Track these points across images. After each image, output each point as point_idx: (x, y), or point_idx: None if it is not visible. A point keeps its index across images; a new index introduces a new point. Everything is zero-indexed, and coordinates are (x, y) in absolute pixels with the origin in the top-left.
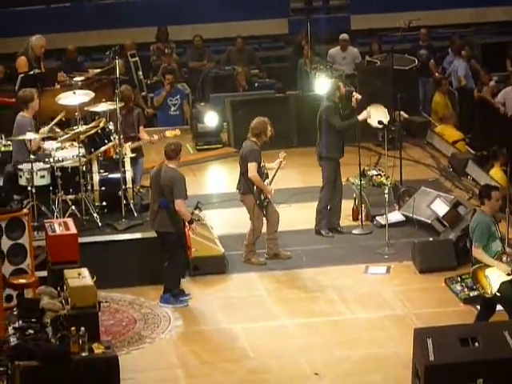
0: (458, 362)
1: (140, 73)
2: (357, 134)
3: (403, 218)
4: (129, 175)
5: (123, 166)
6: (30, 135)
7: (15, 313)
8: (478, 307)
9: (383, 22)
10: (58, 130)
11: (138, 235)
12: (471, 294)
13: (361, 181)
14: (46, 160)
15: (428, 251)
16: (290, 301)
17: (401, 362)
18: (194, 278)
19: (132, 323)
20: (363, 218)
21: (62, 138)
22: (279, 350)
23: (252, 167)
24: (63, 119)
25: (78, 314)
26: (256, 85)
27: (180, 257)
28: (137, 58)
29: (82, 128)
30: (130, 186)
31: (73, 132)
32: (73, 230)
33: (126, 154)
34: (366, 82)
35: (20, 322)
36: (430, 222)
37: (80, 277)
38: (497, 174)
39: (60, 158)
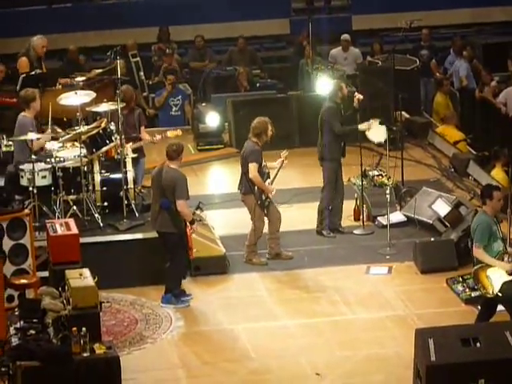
0: (460, 363)
1: (141, 73)
2: (358, 134)
3: (405, 219)
4: (130, 175)
5: (125, 167)
6: (31, 135)
7: (16, 313)
8: (479, 307)
9: (385, 22)
10: (59, 130)
11: (139, 235)
12: (473, 295)
13: (362, 181)
14: (48, 160)
15: (429, 251)
16: (292, 301)
17: (402, 363)
18: (195, 278)
19: (133, 323)
20: (365, 219)
21: (63, 139)
22: (280, 351)
23: (253, 168)
24: (65, 119)
25: (80, 314)
26: (257, 85)
27: (181, 257)
28: (138, 59)
29: (83, 128)
30: (132, 186)
31: (74, 132)
32: (74, 230)
33: (127, 155)
34: (368, 83)
35: (21, 322)
36: (431, 222)
37: (81, 277)
38: (498, 174)
39: (61, 159)
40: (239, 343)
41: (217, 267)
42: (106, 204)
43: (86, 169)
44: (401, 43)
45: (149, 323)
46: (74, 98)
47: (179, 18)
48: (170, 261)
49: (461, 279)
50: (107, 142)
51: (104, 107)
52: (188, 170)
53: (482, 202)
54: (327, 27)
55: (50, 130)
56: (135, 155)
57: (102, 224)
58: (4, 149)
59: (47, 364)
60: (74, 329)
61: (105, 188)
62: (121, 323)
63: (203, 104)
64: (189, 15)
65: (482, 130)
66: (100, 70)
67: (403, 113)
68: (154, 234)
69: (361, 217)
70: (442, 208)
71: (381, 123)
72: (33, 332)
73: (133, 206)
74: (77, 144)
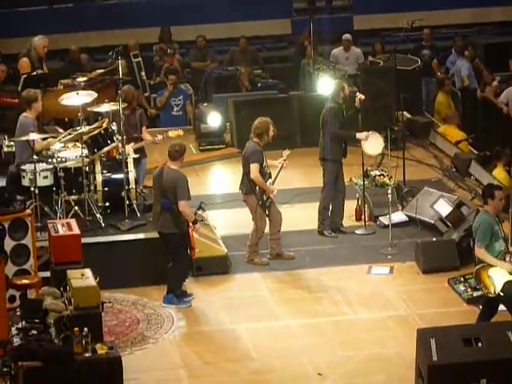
0: (461, 362)
1: (143, 73)
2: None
3: (406, 219)
4: (132, 176)
5: (126, 167)
6: (32, 136)
7: (18, 313)
8: (481, 307)
9: (386, 22)
10: (60, 130)
11: (141, 235)
12: (474, 295)
13: (364, 181)
14: (49, 160)
15: (431, 251)
16: (293, 301)
17: (404, 362)
18: (197, 278)
19: (135, 324)
20: (366, 219)
21: (65, 139)
22: (282, 351)
23: (254, 168)
24: (66, 120)
25: (81, 314)
26: (259, 85)
27: (184, 257)
28: (140, 59)
29: (84, 128)
30: (133, 186)
31: (76, 132)
32: (76, 230)
33: (128, 155)
34: (369, 82)
35: (23, 322)
36: (433, 222)
37: (83, 277)
38: (500, 174)
39: (63, 159)
40: (241, 343)
41: (218, 267)
42: (107, 204)
43: (87, 169)
44: (402, 43)
45: (150, 323)
46: (76, 99)
47: (181, 18)
48: (172, 261)
49: (462, 279)
50: (109, 142)
51: (105, 107)
52: (189, 170)
53: (483, 202)
54: (329, 27)
55: (54, 138)
56: (137, 155)
57: (103, 224)
58: (5, 149)
59: (49, 364)
60: (76, 329)
61: (106, 188)
62: (122, 323)
63: (205, 104)
64: (190, 15)
65: (484, 129)
66: (101, 71)
67: (405, 113)
68: (155, 234)
69: (362, 217)
70: (444, 208)
71: (388, 127)
72: (35, 332)
73: (134, 206)
74: (78, 144)
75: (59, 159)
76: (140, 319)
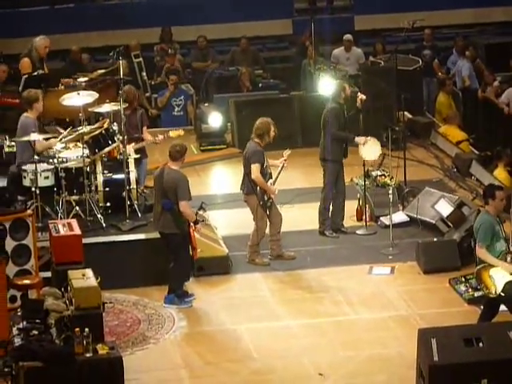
0: (463, 363)
1: (144, 73)
2: (360, 134)
3: (407, 219)
4: (133, 176)
5: (127, 167)
6: (34, 136)
7: (19, 314)
8: (482, 307)
9: (387, 22)
10: (61, 130)
11: (142, 236)
12: (475, 295)
13: (365, 181)
14: (50, 161)
15: (432, 252)
16: (294, 301)
17: (405, 363)
18: (198, 278)
19: (136, 324)
20: (367, 219)
21: (66, 139)
22: (283, 351)
23: (255, 169)
24: (67, 120)
25: (82, 314)
26: (260, 85)
27: (185, 258)
28: (141, 59)
29: (86, 129)
30: (134, 186)
31: (77, 133)
32: (77, 230)
33: (129, 155)
34: (370, 83)
35: (24, 322)
36: (434, 222)
37: (84, 277)
38: (501, 174)
39: (64, 159)
40: (242, 343)
41: (219, 267)
42: (108, 204)
43: (88, 169)
44: (403, 43)
45: (151, 323)
46: (77, 99)
47: (182, 19)
48: (173, 261)
49: (463, 279)
50: (110, 142)
51: (106, 108)
52: (190, 171)
53: (484, 202)
54: (330, 27)
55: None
56: (138, 156)
57: (104, 224)
58: (6, 149)
59: (50, 365)
60: (77, 329)
61: (107, 188)
62: (124, 323)
63: (206, 104)
64: (191, 15)
65: (485, 130)
66: (102, 71)
67: (406, 113)
68: (156, 235)
69: (363, 217)
70: (445, 208)
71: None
72: (35, 332)
73: (135, 206)
74: (79, 144)
75: (60, 159)
76: (141, 319)
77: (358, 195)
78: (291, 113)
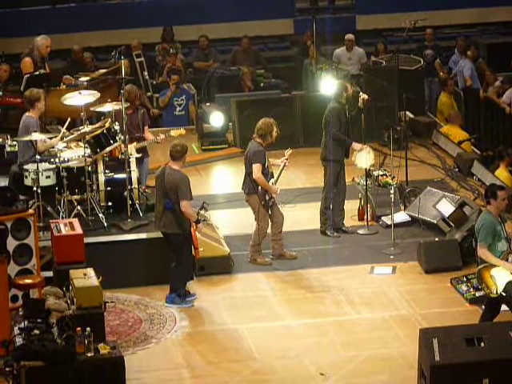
0: (464, 362)
1: (145, 73)
2: (362, 134)
3: (409, 218)
4: (134, 175)
5: (129, 167)
6: (35, 135)
7: (21, 313)
8: (483, 307)
9: (389, 22)
10: (63, 130)
11: (143, 235)
12: (477, 294)
13: (366, 181)
14: (52, 160)
15: (433, 251)
16: (296, 301)
17: (406, 363)
18: (199, 278)
19: (138, 323)
20: (369, 218)
21: (67, 139)
22: (284, 351)
23: (256, 169)
24: (69, 119)
25: (84, 314)
26: (261, 85)
27: (187, 258)
28: (142, 59)
29: (87, 128)
30: (136, 186)
31: (78, 132)
32: (78, 230)
33: (131, 154)
34: (372, 82)
35: (26, 322)
36: (435, 222)
37: (85, 277)
38: (502, 173)
39: (66, 159)
40: (243, 343)
41: (221, 267)
42: (110, 204)
43: (90, 169)
44: (405, 43)
45: (153, 323)
46: (78, 98)
47: (183, 18)
48: (175, 261)
49: (465, 279)
50: (111, 141)
51: (108, 107)
52: (192, 170)
53: (486, 202)
54: (331, 27)
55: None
56: (139, 155)
57: (106, 224)
58: (8, 149)
59: (51, 364)
60: (79, 329)
61: (109, 188)
62: (125, 323)
63: (207, 104)
64: (193, 15)
65: (486, 129)
66: (104, 70)
67: (407, 113)
68: (158, 234)
69: (365, 217)
70: (447, 208)
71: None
72: (37, 332)
73: (137, 205)
74: (81, 144)
75: (62, 159)
76: (142, 319)
77: (360, 195)
78: (293, 112)
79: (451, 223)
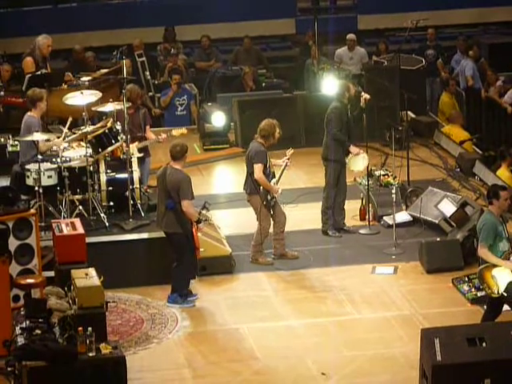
0: (466, 362)
1: (147, 73)
2: (364, 134)
3: (410, 218)
4: (136, 175)
5: (130, 166)
6: (37, 135)
7: (22, 313)
8: (485, 307)
9: (390, 22)
10: (65, 130)
11: (145, 235)
12: (478, 294)
13: (368, 181)
14: (54, 160)
15: (435, 251)
16: (297, 301)
17: (408, 362)
18: (201, 278)
19: (139, 323)
20: (370, 218)
21: (69, 138)
22: (286, 350)
23: (258, 169)
24: (70, 119)
25: (86, 314)
26: (263, 85)
27: (189, 257)
28: (144, 58)
29: (89, 128)
30: (138, 186)
31: (80, 132)
32: (80, 230)
33: (133, 154)
34: (373, 82)
35: (27, 322)
36: (437, 222)
37: (87, 277)
38: (504, 173)
39: (67, 158)
40: (245, 343)
41: (223, 267)
42: (111, 204)
43: (91, 168)
44: (406, 43)
45: (155, 323)
46: (80, 98)
47: (185, 18)
48: (177, 261)
49: (466, 279)
50: (113, 141)
51: (110, 107)
52: (194, 170)
53: (488, 202)
54: (333, 27)
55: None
56: (141, 155)
57: (107, 224)
58: (10, 149)
59: (53, 364)
60: (80, 328)
61: (110, 188)
62: (127, 323)
63: (209, 104)
64: (195, 15)
65: (488, 129)
66: (106, 70)
67: (409, 112)
68: (159, 234)
69: (367, 216)
70: (448, 208)
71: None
72: (38, 332)
73: (138, 205)
74: (83, 144)
75: (63, 159)
76: (144, 319)
77: (361, 195)
78: (294, 112)
79: (453, 223)
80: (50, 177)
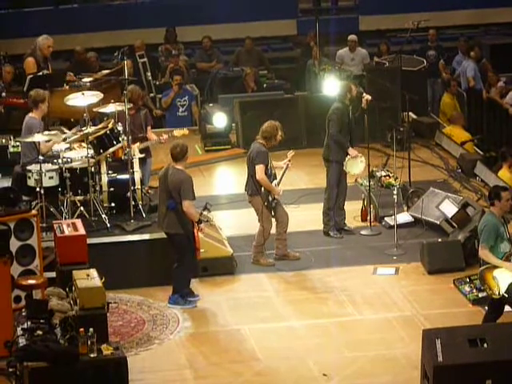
0: (467, 363)
1: (148, 74)
2: (365, 135)
3: (412, 219)
4: (137, 176)
5: (132, 167)
6: (38, 137)
7: (24, 314)
8: (487, 308)
9: (392, 22)
10: (66, 130)
11: (146, 236)
12: (480, 295)
13: (369, 182)
14: (55, 161)
15: (436, 252)
16: (299, 302)
17: (409, 363)
18: (202, 278)
19: (141, 324)
20: (372, 219)
21: (70, 139)
22: (287, 351)
23: (259, 169)
24: (72, 120)
25: (87, 314)
26: (264, 86)
27: (189, 258)
28: (145, 59)
29: (90, 129)
30: (139, 186)
31: (81, 133)
32: (81, 230)
33: (134, 155)
34: (375, 83)
35: (29, 322)
36: (438, 222)
37: (88, 278)
38: (505, 174)
39: (68, 159)
40: (246, 344)
41: (224, 268)
42: (113, 205)
43: (93, 169)
44: (408, 44)
45: (156, 324)
46: (81, 99)
47: (186, 19)
48: (177, 261)
49: (468, 280)
50: (114, 142)
51: (111, 108)
52: (195, 171)
53: (490, 204)
54: (334, 28)
55: (57, 132)
56: (142, 155)
57: (109, 225)
58: (11, 150)
59: (54, 365)
60: (81, 329)
61: (112, 189)
62: (128, 324)
63: (210, 105)
64: (196, 16)
65: (489, 130)
66: (107, 71)
67: (410, 113)
68: (160, 235)
69: (368, 217)
70: (450, 208)
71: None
72: (40, 333)
73: (140, 206)
74: (84, 145)
75: (65, 160)
76: (145, 320)
77: (363, 196)
78: (296, 113)
79: (454, 224)
80: (51, 178)
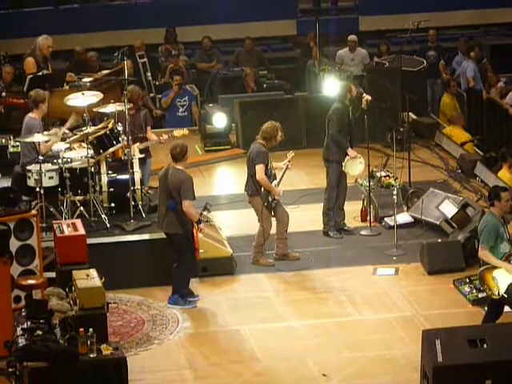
0: (467, 364)
1: (148, 74)
2: (365, 135)
3: (411, 220)
4: (137, 176)
5: (131, 167)
6: (38, 137)
7: (23, 314)
8: (486, 308)
9: (392, 23)
10: (66, 131)
11: (146, 236)
12: (480, 296)
13: (369, 182)
14: (55, 161)
15: (436, 252)
16: (298, 302)
17: (409, 364)
18: (202, 279)
19: (140, 324)
20: (371, 220)
21: (70, 139)
22: (287, 352)
23: (259, 170)
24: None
25: (87, 315)
26: (264, 86)
27: (189, 258)
28: (145, 59)
29: (90, 129)
30: (139, 187)
31: (81, 133)
32: (81, 231)
33: (134, 155)
34: (375, 83)
35: (28, 323)
36: (438, 223)
37: (88, 278)
38: (505, 175)
39: (68, 159)
40: (246, 344)
41: (224, 268)
42: (112, 205)
43: (92, 169)
44: (408, 44)
45: (156, 324)
46: (81, 99)
47: (186, 19)
48: (177, 261)
49: (468, 280)
50: (114, 142)
51: (111, 108)
52: (195, 171)
53: (490, 204)
54: (334, 28)
55: (55, 130)
56: (142, 156)
57: (108, 225)
58: (11, 150)
59: (54, 365)
60: (81, 329)
61: (112, 189)
62: (128, 324)
63: (210, 105)
64: (196, 16)
65: (489, 131)
66: (107, 71)
67: (410, 114)
68: (160, 235)
69: (368, 218)
70: (449, 209)
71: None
72: (40, 333)
73: (140, 206)
74: (84, 145)
75: (65, 160)
76: (145, 320)
77: (363, 196)
78: (296, 113)
79: (454, 224)
80: (51, 178)
